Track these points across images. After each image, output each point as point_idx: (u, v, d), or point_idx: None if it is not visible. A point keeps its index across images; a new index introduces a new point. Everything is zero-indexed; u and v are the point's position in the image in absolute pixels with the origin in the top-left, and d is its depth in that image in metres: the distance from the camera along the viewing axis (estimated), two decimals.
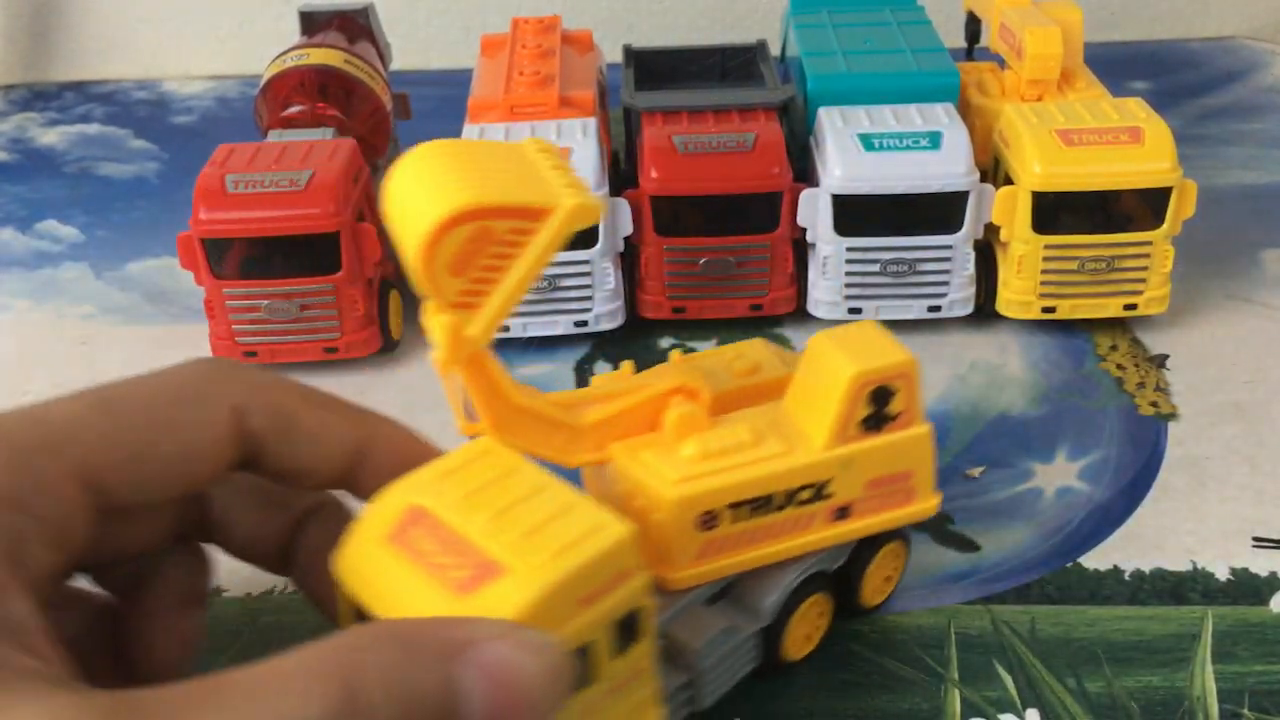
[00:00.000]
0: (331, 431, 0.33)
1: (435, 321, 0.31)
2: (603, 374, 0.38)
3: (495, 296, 0.31)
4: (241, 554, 0.36)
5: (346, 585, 0.30)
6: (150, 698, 0.24)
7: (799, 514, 0.37)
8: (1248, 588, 0.43)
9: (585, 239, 0.55)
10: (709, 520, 0.35)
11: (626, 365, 0.42)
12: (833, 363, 0.36)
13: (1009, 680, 0.39)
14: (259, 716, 0.23)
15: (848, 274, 0.56)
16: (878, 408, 0.37)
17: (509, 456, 0.32)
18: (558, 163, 0.33)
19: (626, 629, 0.30)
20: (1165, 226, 0.54)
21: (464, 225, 0.30)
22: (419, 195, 0.31)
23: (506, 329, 0.56)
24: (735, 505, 0.36)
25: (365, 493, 0.33)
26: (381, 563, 0.30)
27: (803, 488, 0.37)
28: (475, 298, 0.31)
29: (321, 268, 0.54)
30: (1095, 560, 0.44)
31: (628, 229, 0.56)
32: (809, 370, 0.38)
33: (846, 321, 0.57)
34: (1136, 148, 0.54)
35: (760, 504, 0.36)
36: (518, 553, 0.28)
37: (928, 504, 0.39)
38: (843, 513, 0.38)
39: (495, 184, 0.31)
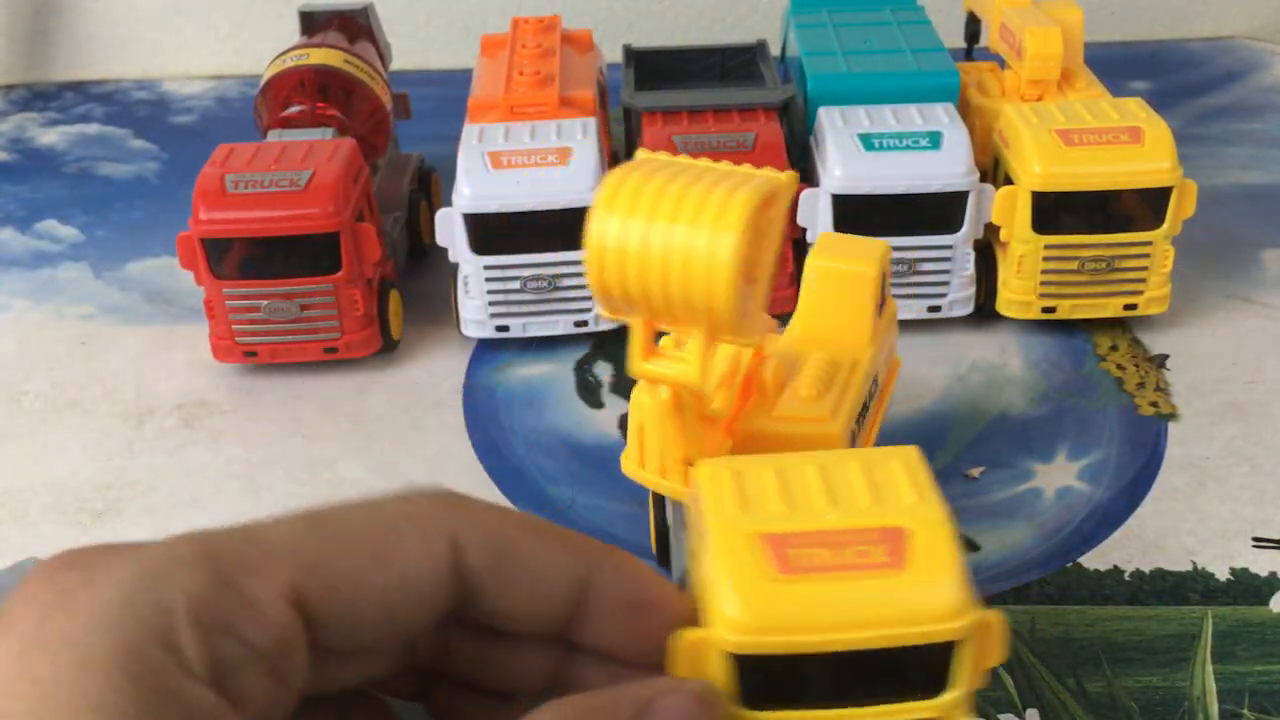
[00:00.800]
0: (553, 565, 0.28)
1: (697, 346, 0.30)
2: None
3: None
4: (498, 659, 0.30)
5: (782, 641, 0.25)
6: None
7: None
8: (1248, 588, 0.43)
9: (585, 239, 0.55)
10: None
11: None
12: (847, 272, 0.41)
13: (1009, 680, 0.39)
14: None
15: None
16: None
17: (751, 461, 0.29)
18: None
19: None
20: (1165, 226, 0.54)
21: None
22: (676, 227, 0.29)
23: (506, 329, 0.56)
24: (861, 416, 0.39)
25: (588, 639, 0.28)
26: (804, 596, 0.25)
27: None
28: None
29: (321, 268, 0.54)
30: (1095, 560, 0.44)
31: None
32: (817, 290, 0.42)
33: None
34: (1137, 148, 0.54)
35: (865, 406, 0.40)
36: (895, 511, 0.26)
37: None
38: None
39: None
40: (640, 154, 0.32)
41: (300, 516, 0.26)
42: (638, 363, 0.31)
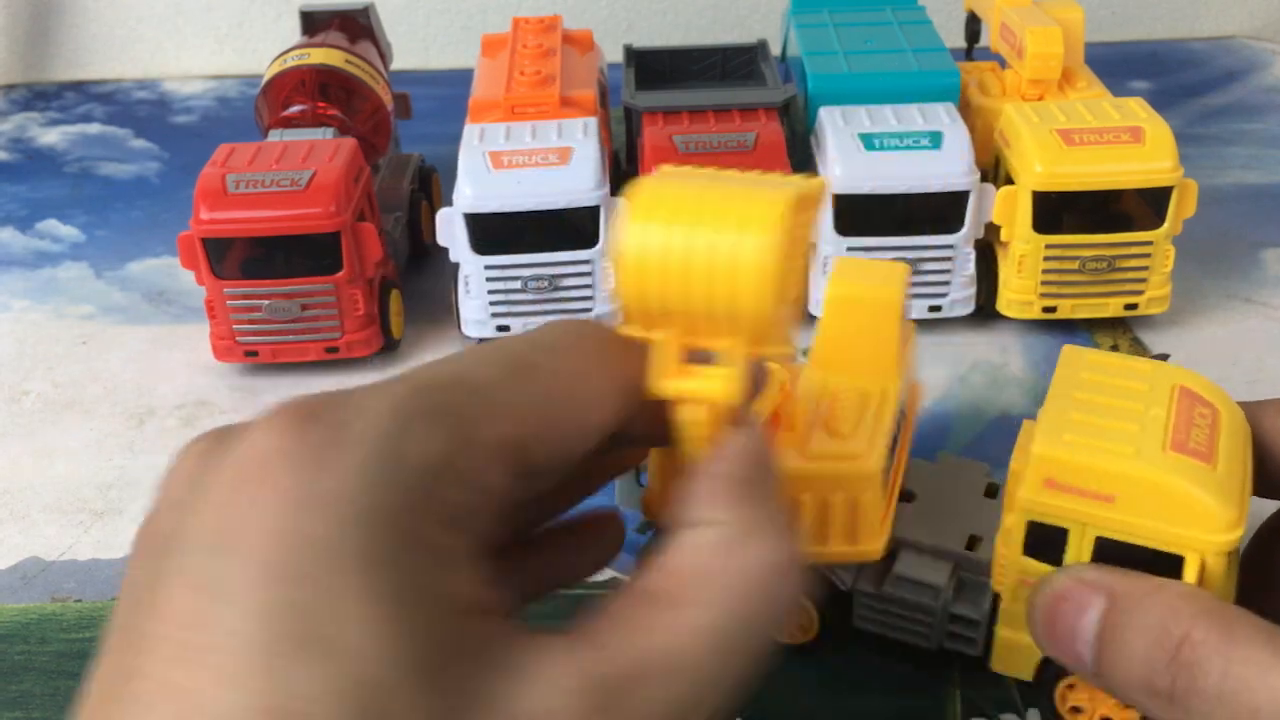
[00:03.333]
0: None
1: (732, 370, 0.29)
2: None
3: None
4: None
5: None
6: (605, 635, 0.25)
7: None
8: None
9: (586, 239, 0.55)
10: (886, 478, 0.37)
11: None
12: (871, 298, 0.39)
13: (1010, 679, 0.39)
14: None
15: None
16: None
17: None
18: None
19: None
20: (1166, 226, 0.54)
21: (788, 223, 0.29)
22: (709, 234, 0.28)
23: (507, 329, 0.56)
24: (892, 449, 0.37)
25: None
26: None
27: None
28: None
29: (322, 267, 0.54)
30: None
31: None
32: (840, 318, 0.39)
33: None
34: (1137, 147, 0.54)
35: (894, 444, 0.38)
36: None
37: (871, 547, 0.38)
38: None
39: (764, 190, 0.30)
40: (665, 169, 0.31)
41: (499, 364, 0.28)
42: (666, 380, 0.29)
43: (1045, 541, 0.34)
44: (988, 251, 0.57)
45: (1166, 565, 0.32)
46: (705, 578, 0.27)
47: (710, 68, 0.68)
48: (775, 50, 0.70)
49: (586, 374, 0.29)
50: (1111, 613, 0.31)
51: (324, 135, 0.60)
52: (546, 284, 0.56)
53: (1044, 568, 0.34)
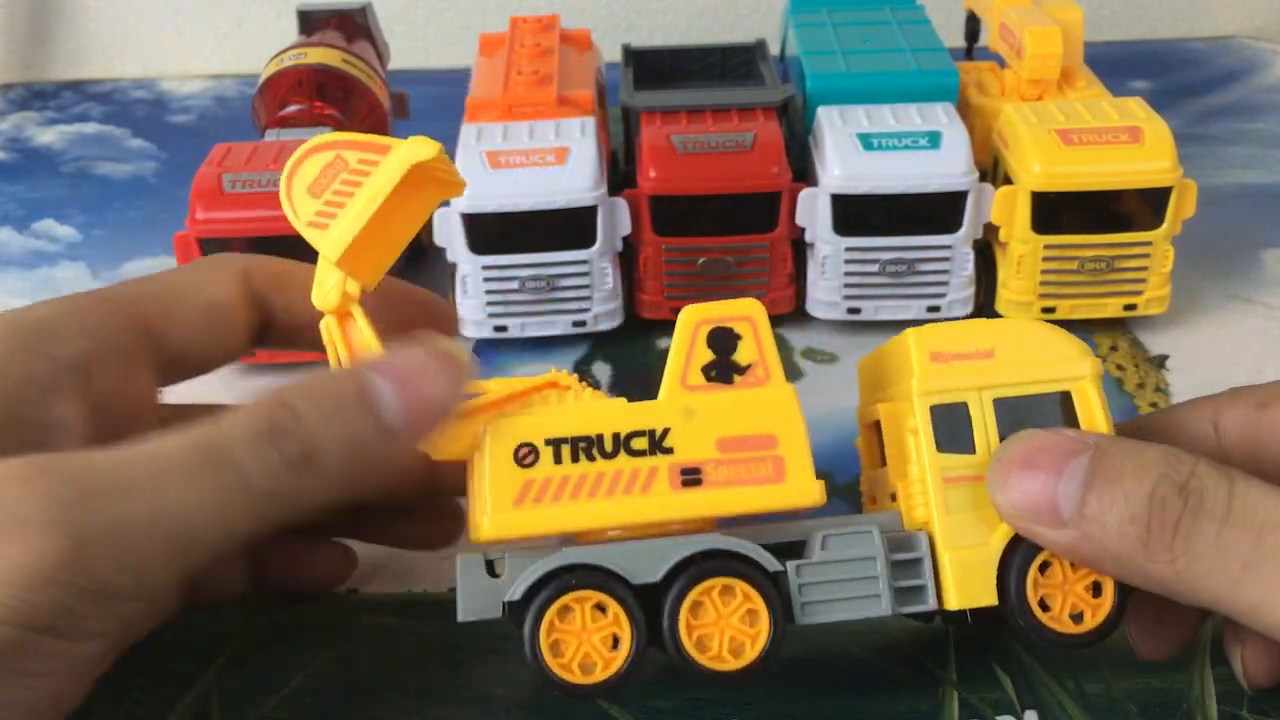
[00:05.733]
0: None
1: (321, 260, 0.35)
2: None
3: (343, 215, 0.35)
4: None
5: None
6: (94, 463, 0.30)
7: (634, 467, 0.34)
8: None
9: (583, 239, 0.55)
10: (527, 455, 0.34)
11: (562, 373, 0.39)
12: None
13: (1007, 681, 0.39)
14: (208, 442, 0.31)
15: (847, 274, 0.56)
16: (720, 354, 0.35)
17: None
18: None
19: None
20: (1165, 226, 0.54)
21: (321, 152, 0.35)
22: None
23: (504, 329, 0.56)
24: (555, 441, 0.34)
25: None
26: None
27: (635, 434, 0.34)
28: (327, 219, 0.35)
29: None
30: None
31: (626, 229, 0.56)
32: None
33: (845, 322, 0.57)
34: (1136, 147, 0.54)
35: (584, 444, 0.34)
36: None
37: (804, 487, 0.35)
38: (692, 477, 0.34)
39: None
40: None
41: (143, 276, 0.39)
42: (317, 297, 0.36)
43: (950, 430, 0.35)
44: (986, 251, 0.57)
45: (1059, 417, 0.35)
46: (227, 412, 0.32)
47: (709, 67, 0.68)
48: (774, 50, 0.70)
49: (201, 270, 0.39)
50: (1102, 457, 0.32)
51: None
52: (544, 284, 0.55)
53: (963, 458, 0.35)
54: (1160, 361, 0.55)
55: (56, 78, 0.91)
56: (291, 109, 0.62)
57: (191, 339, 0.38)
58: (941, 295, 0.56)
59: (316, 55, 0.63)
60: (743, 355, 0.35)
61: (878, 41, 0.64)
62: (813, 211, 0.55)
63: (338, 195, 0.35)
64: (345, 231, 0.34)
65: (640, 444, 0.34)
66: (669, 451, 0.34)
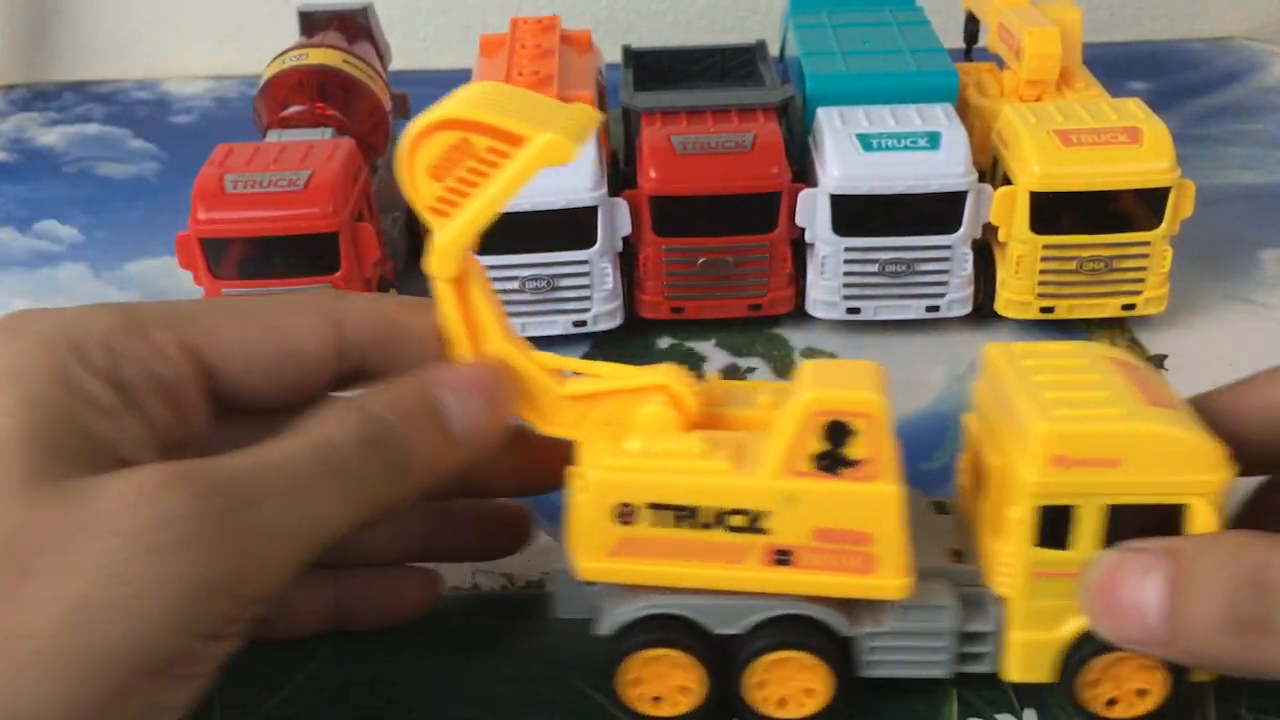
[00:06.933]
0: (430, 326, 0.36)
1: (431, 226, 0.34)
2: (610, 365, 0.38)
3: (466, 208, 0.34)
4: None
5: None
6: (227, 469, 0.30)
7: (730, 541, 0.35)
8: None
9: (583, 239, 0.55)
10: (626, 514, 0.35)
11: (712, 376, 0.40)
12: (798, 388, 0.35)
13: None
14: (323, 449, 0.31)
15: (846, 274, 0.56)
16: (834, 445, 0.34)
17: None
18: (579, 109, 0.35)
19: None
20: (1164, 226, 0.54)
21: (445, 132, 0.33)
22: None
23: None
24: (657, 506, 0.35)
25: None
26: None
27: (735, 511, 0.35)
28: (449, 206, 0.34)
29: (320, 268, 0.54)
30: None
31: (626, 229, 0.56)
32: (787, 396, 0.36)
33: (845, 321, 0.58)
34: (1135, 148, 0.54)
35: (684, 514, 0.35)
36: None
37: (893, 582, 0.35)
38: (783, 557, 0.35)
39: (492, 107, 0.33)
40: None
41: (211, 299, 0.37)
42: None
43: (1051, 526, 0.34)
44: (985, 252, 0.57)
45: (1170, 525, 0.34)
46: (318, 420, 0.32)
47: (709, 68, 0.68)
48: (774, 51, 0.70)
49: (289, 311, 0.35)
50: (1178, 567, 0.32)
51: (322, 135, 0.60)
52: (544, 284, 0.56)
53: (1058, 554, 0.34)
54: (1159, 361, 0.55)
55: (58, 79, 0.92)
56: (293, 110, 0.62)
57: (256, 386, 0.35)
58: (941, 295, 0.57)
59: (318, 56, 0.64)
60: (854, 449, 0.34)
61: (877, 42, 0.64)
62: (812, 212, 0.55)
63: (462, 184, 0.34)
64: (470, 223, 0.34)
65: (739, 521, 0.35)
66: (765, 532, 0.35)
